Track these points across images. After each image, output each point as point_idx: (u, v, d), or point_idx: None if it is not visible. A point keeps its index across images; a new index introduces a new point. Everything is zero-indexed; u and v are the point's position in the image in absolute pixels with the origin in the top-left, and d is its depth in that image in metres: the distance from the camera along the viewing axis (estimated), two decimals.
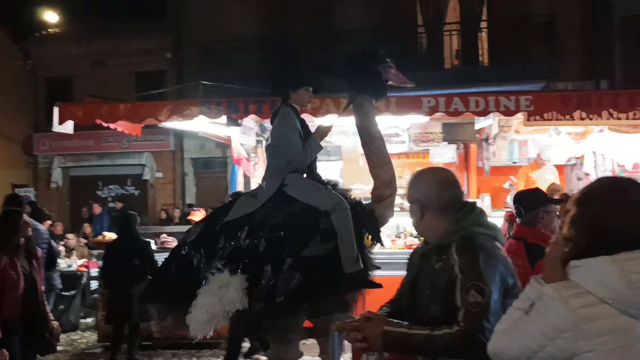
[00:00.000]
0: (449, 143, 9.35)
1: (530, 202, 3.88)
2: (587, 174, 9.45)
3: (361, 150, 10.08)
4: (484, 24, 13.26)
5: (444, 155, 9.88)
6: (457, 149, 10.13)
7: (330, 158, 10.58)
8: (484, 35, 13.21)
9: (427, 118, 7.40)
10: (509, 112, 6.43)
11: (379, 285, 3.80)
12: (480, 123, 7.86)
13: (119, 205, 13.86)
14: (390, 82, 3.95)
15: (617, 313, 1.64)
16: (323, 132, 4.09)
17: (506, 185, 9.91)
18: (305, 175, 3.97)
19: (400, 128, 8.92)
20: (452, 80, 11.75)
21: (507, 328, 1.82)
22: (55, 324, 4.40)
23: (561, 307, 1.68)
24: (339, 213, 3.68)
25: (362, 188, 8.66)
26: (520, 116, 7.36)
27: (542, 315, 1.72)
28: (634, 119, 7.00)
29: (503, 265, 2.21)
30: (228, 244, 3.68)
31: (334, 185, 3.95)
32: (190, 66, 14.73)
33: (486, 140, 9.00)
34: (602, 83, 12.61)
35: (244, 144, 7.84)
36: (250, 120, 7.78)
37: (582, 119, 7.00)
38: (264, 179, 4.01)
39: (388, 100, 6.46)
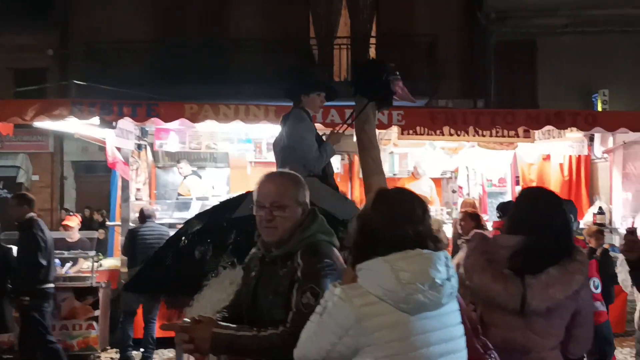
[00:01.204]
0: None
1: None
2: (460, 187, 10.06)
3: (249, 158, 10.12)
4: (373, 40, 13.75)
5: None
6: (342, 160, 10.40)
7: (217, 165, 10.49)
8: (373, 50, 13.69)
9: None
10: (382, 126, 6.70)
11: None
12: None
13: None
14: (395, 95, 4.05)
15: (392, 309, 1.79)
16: (336, 137, 4.18)
17: None
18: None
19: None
20: (341, 93, 12.05)
21: (308, 332, 1.92)
22: None
23: (346, 306, 1.81)
24: None
25: None
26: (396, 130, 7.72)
27: (331, 316, 1.84)
28: (496, 136, 7.56)
29: (339, 271, 2.30)
30: (239, 239, 3.54)
31: (346, 197, 3.93)
32: (76, 65, 14.09)
33: None
34: (478, 102, 13.48)
35: (121, 147, 7.59)
36: (129, 123, 7.56)
37: (451, 134, 7.47)
38: None
39: (267, 109, 6.54)
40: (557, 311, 2.37)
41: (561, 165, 9.84)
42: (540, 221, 2.44)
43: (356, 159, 10.24)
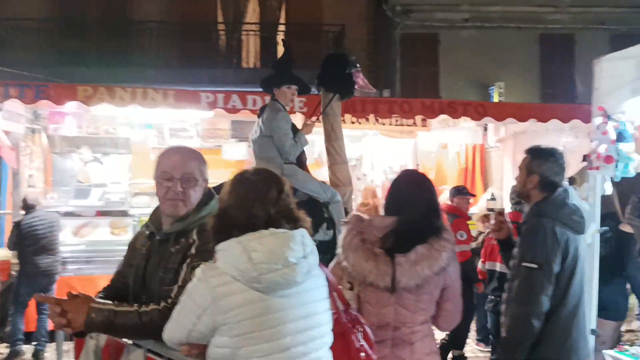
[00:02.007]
0: (238, 140, 9.52)
1: None
2: (365, 174, 10.32)
3: (152, 145, 9.89)
4: (281, 28, 13.75)
5: (236, 152, 10.05)
6: (249, 146, 10.37)
7: (119, 151, 10.14)
8: (281, 38, 13.69)
9: (212, 113, 7.46)
10: None
11: None
12: None
13: None
14: (356, 86, 4.45)
15: (246, 289, 1.84)
16: (309, 127, 4.47)
17: None
18: None
19: (188, 123, 8.86)
20: (249, 80, 11.99)
21: (174, 312, 1.94)
22: None
23: (203, 286, 1.85)
24: (337, 205, 4.14)
25: (149, 182, 8.48)
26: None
27: (191, 295, 1.88)
28: (396, 125, 7.81)
29: None
30: None
31: (323, 182, 4.34)
32: None
33: None
34: (384, 92, 13.82)
35: (10, 131, 7.16)
36: (20, 106, 7.14)
37: (353, 122, 7.62)
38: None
39: (166, 93, 6.40)
40: (425, 287, 2.49)
41: (458, 153, 10.30)
42: (408, 202, 2.57)
43: None
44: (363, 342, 2.21)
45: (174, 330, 1.94)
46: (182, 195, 2.25)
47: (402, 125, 7.79)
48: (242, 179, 2.02)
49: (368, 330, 2.31)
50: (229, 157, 9.87)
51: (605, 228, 4.40)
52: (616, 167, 3.63)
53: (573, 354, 2.89)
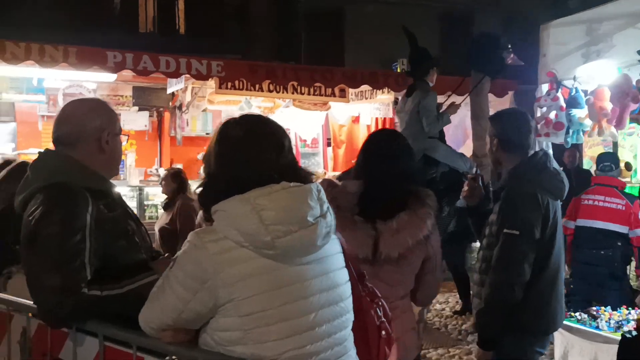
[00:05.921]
0: (140, 109, 8.81)
1: None
2: None
3: (41, 112, 8.92)
4: None
5: (136, 122, 9.34)
6: (150, 116, 9.69)
7: (1, 118, 9.07)
8: (181, 4, 12.95)
9: (114, 76, 6.77)
10: (200, 76, 6.27)
11: None
12: (173, 87, 7.55)
13: None
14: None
15: (255, 256, 1.50)
16: (454, 108, 4.93)
17: (200, 157, 9.89)
18: None
19: (85, 88, 8.04)
20: (146, 45, 11.17)
21: (153, 291, 1.57)
22: None
23: (200, 254, 1.50)
24: None
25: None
26: (213, 85, 7.30)
27: (182, 267, 1.51)
28: (314, 94, 7.55)
29: None
30: None
31: (462, 154, 4.81)
32: None
33: (179, 107, 8.75)
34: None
35: None
36: None
37: (271, 90, 7.28)
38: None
39: (66, 50, 5.65)
40: (407, 258, 2.30)
41: (368, 127, 10.27)
42: (376, 164, 2.37)
43: (165, 115, 9.70)
44: (383, 319, 1.89)
45: (157, 312, 1.55)
46: None
47: (321, 94, 7.53)
48: (225, 136, 1.63)
49: (385, 306, 1.97)
50: (129, 127, 9.16)
51: None
52: (567, 132, 3.60)
53: (551, 322, 2.80)
